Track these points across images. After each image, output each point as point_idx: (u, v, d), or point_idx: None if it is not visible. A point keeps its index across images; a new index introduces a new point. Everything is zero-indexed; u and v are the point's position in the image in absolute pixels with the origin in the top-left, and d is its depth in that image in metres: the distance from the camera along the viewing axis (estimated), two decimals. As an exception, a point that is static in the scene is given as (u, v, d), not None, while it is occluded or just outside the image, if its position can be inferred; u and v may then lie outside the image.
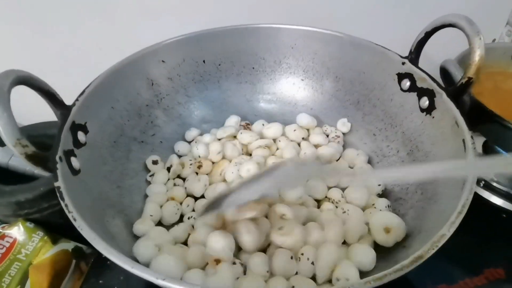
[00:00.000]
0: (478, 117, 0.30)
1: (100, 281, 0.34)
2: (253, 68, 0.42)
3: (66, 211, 0.20)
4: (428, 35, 0.30)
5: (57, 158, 0.22)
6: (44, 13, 0.37)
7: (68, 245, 0.35)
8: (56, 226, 0.36)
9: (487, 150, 0.37)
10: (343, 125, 0.39)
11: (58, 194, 0.20)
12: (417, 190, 0.28)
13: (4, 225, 0.36)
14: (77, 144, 0.26)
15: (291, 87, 0.42)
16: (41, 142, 0.38)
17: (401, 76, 0.33)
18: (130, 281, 0.33)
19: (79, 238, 0.35)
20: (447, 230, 0.19)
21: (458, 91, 0.27)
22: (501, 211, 0.35)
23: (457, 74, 0.33)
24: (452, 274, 0.32)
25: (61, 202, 0.20)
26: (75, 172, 0.24)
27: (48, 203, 0.35)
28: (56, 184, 0.21)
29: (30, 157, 0.20)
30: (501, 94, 0.39)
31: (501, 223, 0.36)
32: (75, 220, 0.19)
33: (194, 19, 0.40)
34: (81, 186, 0.24)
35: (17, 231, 0.34)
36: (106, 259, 0.36)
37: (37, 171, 0.37)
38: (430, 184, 0.27)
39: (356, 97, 0.38)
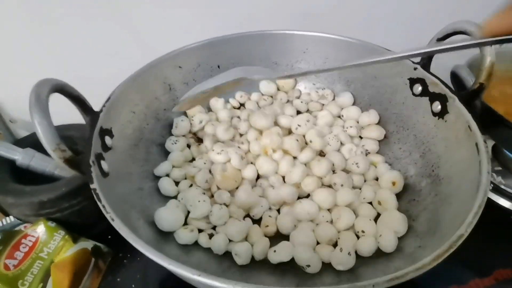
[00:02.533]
0: (488, 121, 0.31)
1: (118, 279, 0.35)
2: (266, 72, 0.43)
3: (104, 211, 0.21)
4: (439, 41, 0.31)
5: (90, 161, 0.23)
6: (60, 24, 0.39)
7: (87, 244, 0.36)
8: (75, 225, 0.37)
9: (497, 153, 0.38)
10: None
11: (94, 196, 0.22)
12: (430, 192, 0.29)
13: (26, 224, 0.38)
14: (105, 148, 0.27)
15: (303, 91, 0.43)
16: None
17: (413, 81, 0.34)
18: (146, 279, 0.34)
19: (96, 237, 0.37)
20: (465, 230, 0.20)
21: (470, 96, 0.28)
22: (509, 213, 0.36)
23: (468, 79, 0.34)
24: (462, 276, 0.33)
25: (99, 203, 0.21)
26: (105, 174, 0.25)
27: (69, 203, 0.36)
28: (92, 186, 0.22)
29: (68, 161, 0.22)
30: (510, 99, 0.40)
31: (510, 225, 0.37)
32: (113, 220, 0.20)
33: (209, 25, 0.42)
34: (110, 188, 0.25)
35: (39, 230, 0.35)
36: (123, 257, 0.38)
37: (59, 172, 0.39)
38: (444, 187, 0.28)
39: (368, 100, 0.39)
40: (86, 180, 0.35)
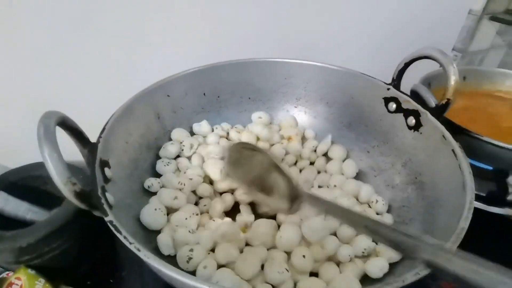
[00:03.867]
0: (450, 132, 0.35)
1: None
2: (250, 98, 0.45)
3: (126, 242, 0.20)
4: (407, 65, 0.36)
5: (99, 194, 0.23)
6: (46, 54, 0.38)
7: None
8: (55, 271, 0.34)
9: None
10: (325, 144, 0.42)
11: (112, 228, 0.21)
12: (418, 198, 0.32)
13: (8, 272, 0.34)
14: (106, 180, 0.26)
15: (285, 114, 0.46)
16: (26, 185, 0.38)
17: (387, 100, 0.38)
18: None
19: (76, 283, 0.34)
20: (464, 224, 0.22)
21: (439, 110, 0.32)
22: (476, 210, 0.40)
23: (428, 96, 0.39)
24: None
25: (119, 235, 0.20)
26: (111, 207, 0.24)
27: (49, 246, 0.34)
28: (107, 219, 0.21)
29: (78, 195, 0.21)
30: (461, 110, 0.46)
31: (478, 225, 0.41)
32: (139, 250, 0.19)
33: (192, 54, 0.43)
34: (118, 220, 0.24)
35: (21, 278, 0.32)
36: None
37: (30, 216, 0.37)
38: (430, 191, 0.31)
39: (348, 119, 0.42)
40: (68, 219, 0.33)
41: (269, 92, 0.44)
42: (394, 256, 0.28)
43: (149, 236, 0.31)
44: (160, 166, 0.36)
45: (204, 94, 0.42)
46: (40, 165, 0.39)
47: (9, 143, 0.40)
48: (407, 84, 0.38)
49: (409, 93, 0.37)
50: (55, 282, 0.33)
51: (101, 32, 0.39)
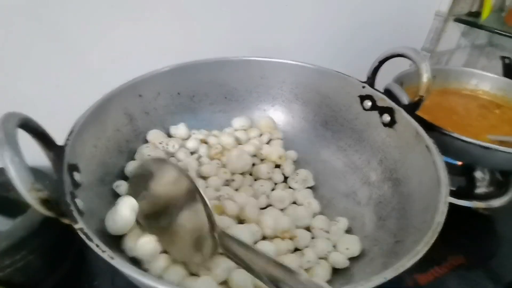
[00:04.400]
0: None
1: None
2: (226, 97, 0.44)
3: (99, 251, 0.18)
4: (381, 63, 0.36)
5: (68, 200, 0.21)
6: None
7: None
8: (18, 285, 0.32)
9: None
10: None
11: (83, 236, 0.19)
12: (394, 194, 0.33)
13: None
14: (76, 185, 0.25)
15: (262, 113, 0.45)
16: None
17: (362, 98, 0.38)
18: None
19: None
20: (440, 218, 0.23)
21: (412, 107, 0.33)
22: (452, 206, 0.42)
23: (401, 94, 0.40)
24: (422, 265, 0.37)
25: (90, 243, 0.19)
26: (82, 214, 0.22)
27: (11, 259, 0.32)
28: (77, 226, 0.20)
29: (44, 202, 0.19)
30: (431, 107, 0.48)
31: (453, 216, 0.43)
32: (112, 258, 0.18)
33: (165, 53, 0.42)
34: (90, 227, 0.22)
35: None
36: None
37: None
38: (404, 187, 0.32)
39: (324, 118, 0.43)
40: (31, 229, 0.31)
41: (245, 91, 0.44)
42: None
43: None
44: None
45: (179, 93, 0.41)
46: (1, 171, 0.36)
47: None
48: (378, 83, 0.38)
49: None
50: None
51: (69, 29, 0.37)
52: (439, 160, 0.28)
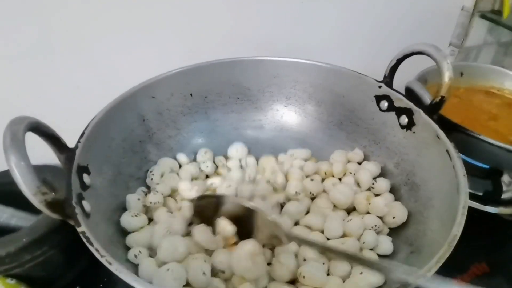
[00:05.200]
0: (443, 129, 0.34)
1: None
2: (238, 98, 0.43)
3: (98, 255, 0.19)
4: (399, 61, 0.34)
5: (73, 203, 0.21)
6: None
7: None
8: (38, 280, 0.33)
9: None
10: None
11: (84, 240, 0.20)
12: (410, 198, 0.31)
13: (-19, 285, 0.33)
14: (84, 186, 0.25)
15: (275, 113, 0.45)
16: (12, 190, 0.36)
17: (379, 98, 0.37)
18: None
19: None
20: (457, 230, 0.21)
21: (433, 108, 0.31)
22: (473, 210, 0.40)
23: (422, 93, 0.38)
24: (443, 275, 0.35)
25: (90, 247, 0.19)
26: (87, 215, 0.23)
27: (31, 255, 0.33)
28: (79, 229, 0.20)
29: (50, 205, 0.19)
30: (457, 106, 0.45)
31: (475, 222, 0.40)
32: (110, 264, 0.18)
33: (177, 55, 0.42)
34: (95, 229, 0.23)
35: None
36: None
37: (15, 221, 0.35)
38: (423, 192, 0.30)
39: (338, 118, 0.41)
40: (52, 226, 0.32)
41: (258, 91, 0.43)
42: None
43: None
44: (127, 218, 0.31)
45: (191, 94, 0.41)
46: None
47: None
48: (402, 81, 0.37)
49: (403, 91, 0.36)
50: None
51: (81, 33, 0.37)
52: (460, 166, 0.26)
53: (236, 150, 0.41)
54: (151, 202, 0.32)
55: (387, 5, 0.50)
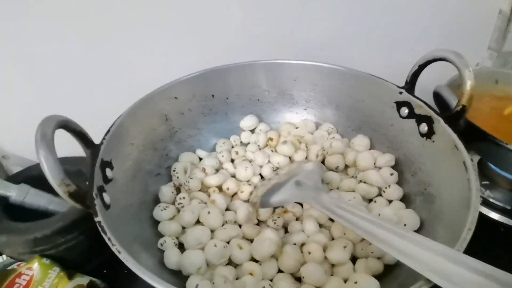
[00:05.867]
0: (472, 137, 0.33)
1: (114, 315, 0.34)
2: (258, 100, 0.44)
3: (109, 244, 0.21)
4: (421, 67, 0.33)
5: (93, 194, 0.24)
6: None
7: (83, 280, 0.35)
8: (70, 261, 0.36)
9: (483, 168, 0.40)
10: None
11: (100, 229, 0.22)
12: (423, 210, 0.31)
13: (20, 262, 0.37)
14: (106, 180, 0.28)
15: (294, 116, 0.45)
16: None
17: (399, 104, 0.36)
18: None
19: (91, 272, 0.36)
20: (460, 246, 0.21)
21: (454, 117, 0.30)
22: (499, 225, 0.37)
23: (451, 99, 0.36)
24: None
25: (104, 236, 0.21)
26: (107, 207, 0.25)
27: (64, 238, 0.36)
28: (96, 219, 0.22)
29: (72, 195, 0.22)
30: (489, 114, 0.42)
31: (501, 237, 0.38)
32: (119, 252, 0.20)
33: (201, 57, 0.44)
34: (113, 220, 0.25)
35: (34, 269, 0.34)
36: (119, 294, 0.37)
37: (53, 207, 0.39)
38: (437, 204, 0.29)
39: (357, 123, 0.41)
40: (84, 213, 0.35)
41: (277, 94, 0.44)
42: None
43: (152, 239, 0.31)
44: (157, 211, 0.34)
45: (213, 96, 0.42)
46: (64, 160, 0.41)
47: (33, 139, 0.43)
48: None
49: (430, 96, 0.35)
50: (70, 272, 0.35)
51: (107, 36, 0.40)
52: (474, 179, 0.25)
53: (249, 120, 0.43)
54: (182, 198, 0.34)
55: (417, 8, 0.48)
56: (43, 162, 0.21)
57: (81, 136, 0.27)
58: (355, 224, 0.24)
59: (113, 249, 0.20)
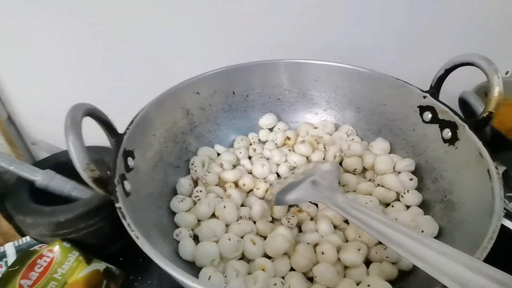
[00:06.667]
0: (499, 146, 0.32)
1: (129, 302, 0.35)
2: (278, 99, 0.44)
3: (128, 229, 0.21)
4: (447, 71, 0.33)
5: (115, 181, 0.24)
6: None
7: (100, 266, 0.37)
8: (89, 246, 0.37)
9: (508, 179, 0.38)
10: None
11: (120, 214, 0.22)
12: (443, 218, 0.30)
13: (42, 244, 0.38)
14: (128, 169, 0.28)
15: (314, 117, 0.45)
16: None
17: (422, 109, 0.35)
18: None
19: (108, 258, 0.37)
20: (480, 255, 0.20)
21: (480, 124, 0.29)
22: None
23: (477, 105, 0.35)
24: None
25: (123, 221, 0.22)
26: (127, 194, 0.26)
27: (85, 223, 0.37)
28: (117, 205, 0.23)
29: (96, 180, 0.23)
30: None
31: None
32: (137, 238, 0.21)
33: (225, 53, 0.44)
34: (132, 207, 0.26)
35: (55, 251, 0.35)
36: (134, 280, 0.38)
37: (76, 193, 0.40)
38: (458, 212, 0.29)
39: (377, 126, 0.40)
40: (104, 201, 0.36)
41: (298, 94, 0.44)
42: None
43: (169, 228, 0.32)
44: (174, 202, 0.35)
45: (234, 93, 0.43)
46: (88, 148, 0.43)
47: (62, 126, 0.45)
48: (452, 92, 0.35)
49: (451, 101, 0.34)
50: (89, 256, 0.36)
51: (137, 31, 0.41)
52: (498, 188, 0.24)
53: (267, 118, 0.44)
54: (199, 191, 0.35)
55: (446, 13, 0.46)
56: (71, 146, 0.22)
57: (107, 124, 0.28)
58: (370, 225, 0.24)
59: (132, 234, 0.21)
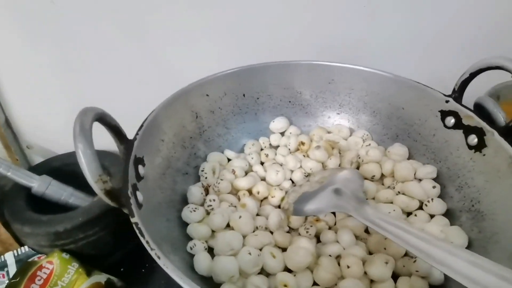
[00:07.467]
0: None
1: (131, 314, 0.33)
2: (290, 101, 0.43)
3: (148, 248, 0.19)
4: (472, 75, 0.31)
5: (129, 193, 0.22)
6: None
7: (101, 278, 0.35)
8: (88, 257, 0.36)
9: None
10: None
11: (137, 231, 0.20)
12: (472, 228, 0.28)
13: (40, 255, 0.36)
14: (139, 177, 0.26)
15: (326, 120, 0.43)
16: (73, 171, 0.38)
17: (444, 114, 0.34)
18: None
19: (108, 269, 0.35)
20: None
21: (509, 130, 0.28)
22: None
23: (495, 111, 0.34)
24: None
25: (142, 239, 0.20)
26: (140, 206, 0.24)
27: (84, 233, 0.35)
28: (133, 220, 0.21)
29: (108, 193, 0.20)
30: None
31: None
32: (159, 258, 0.19)
33: (234, 54, 0.42)
34: (145, 220, 0.23)
35: (54, 262, 0.33)
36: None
37: (73, 200, 0.38)
38: (489, 223, 0.27)
39: (395, 131, 0.39)
40: (104, 210, 0.34)
41: (310, 96, 0.42)
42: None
43: (181, 241, 0.30)
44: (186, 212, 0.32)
45: (244, 95, 0.41)
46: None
47: (58, 131, 0.42)
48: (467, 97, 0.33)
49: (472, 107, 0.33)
50: (88, 268, 0.34)
51: (142, 34, 0.39)
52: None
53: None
54: (212, 200, 0.33)
55: (469, 15, 0.45)
56: (81, 155, 0.19)
57: (116, 130, 0.26)
58: (405, 240, 0.22)
59: (152, 254, 0.19)
